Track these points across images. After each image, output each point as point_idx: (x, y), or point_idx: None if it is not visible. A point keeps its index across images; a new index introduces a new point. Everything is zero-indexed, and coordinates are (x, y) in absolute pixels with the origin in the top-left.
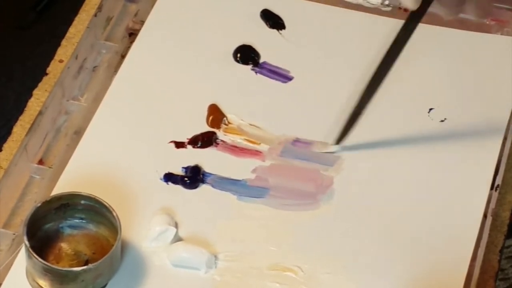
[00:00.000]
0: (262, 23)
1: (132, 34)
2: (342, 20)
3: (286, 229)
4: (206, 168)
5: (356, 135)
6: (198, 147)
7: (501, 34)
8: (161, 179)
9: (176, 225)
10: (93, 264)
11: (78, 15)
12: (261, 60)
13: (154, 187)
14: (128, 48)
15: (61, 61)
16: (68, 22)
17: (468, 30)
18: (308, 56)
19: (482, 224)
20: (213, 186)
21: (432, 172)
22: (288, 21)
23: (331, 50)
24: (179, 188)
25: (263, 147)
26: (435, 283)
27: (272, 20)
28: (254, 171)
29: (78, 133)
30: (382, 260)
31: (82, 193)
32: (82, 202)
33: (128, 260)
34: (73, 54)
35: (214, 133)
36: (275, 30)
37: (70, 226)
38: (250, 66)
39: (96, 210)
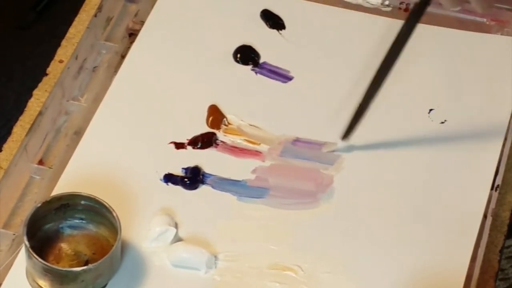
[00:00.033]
0: (262, 23)
1: (132, 34)
2: (342, 20)
3: (286, 228)
4: (206, 169)
5: (356, 135)
6: (198, 148)
7: (501, 34)
8: (161, 179)
9: (176, 226)
10: (93, 264)
11: (78, 15)
12: (261, 60)
13: (154, 187)
14: (128, 48)
15: (61, 61)
16: (68, 22)
17: (468, 30)
18: (308, 56)
19: (482, 224)
20: (213, 187)
21: (432, 172)
22: (288, 21)
23: (331, 50)
24: (179, 188)
25: (263, 148)
26: (435, 283)
27: (272, 20)
28: (254, 171)
29: (78, 134)
30: (382, 260)
31: (82, 194)
32: (82, 202)
33: (128, 261)
34: (73, 54)
35: (214, 134)
36: (275, 30)
37: (70, 227)
38: (250, 66)
39: (96, 211)
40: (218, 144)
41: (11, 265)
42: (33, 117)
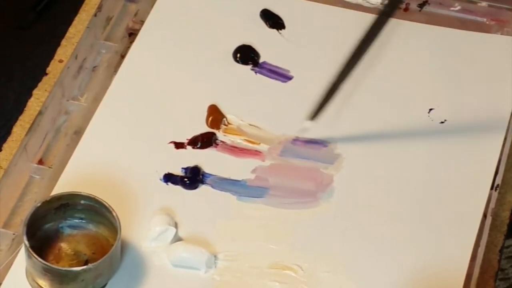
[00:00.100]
0: (262, 23)
1: (132, 34)
2: (341, 20)
3: (286, 228)
4: (206, 168)
5: (356, 134)
6: (197, 148)
7: (501, 34)
8: (160, 179)
9: (176, 225)
10: (93, 264)
11: (78, 15)
12: (261, 60)
13: (154, 187)
14: (128, 48)
15: (61, 61)
16: (68, 22)
17: (468, 30)
18: (308, 55)
19: (482, 224)
20: (212, 187)
21: (432, 172)
22: (288, 21)
23: (331, 50)
24: (178, 188)
25: (263, 147)
26: (435, 283)
27: (272, 20)
28: (254, 171)
29: (78, 133)
30: (382, 259)
31: (82, 193)
32: (82, 202)
33: (128, 260)
34: (73, 54)
35: (213, 133)
36: (275, 30)
37: (70, 226)
38: (250, 66)
39: (96, 210)
40: (218, 144)
41: (11, 264)
42: (33, 116)
